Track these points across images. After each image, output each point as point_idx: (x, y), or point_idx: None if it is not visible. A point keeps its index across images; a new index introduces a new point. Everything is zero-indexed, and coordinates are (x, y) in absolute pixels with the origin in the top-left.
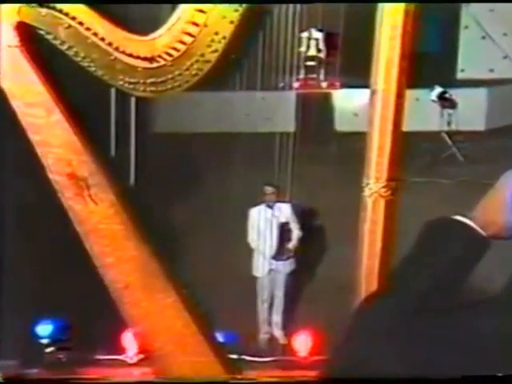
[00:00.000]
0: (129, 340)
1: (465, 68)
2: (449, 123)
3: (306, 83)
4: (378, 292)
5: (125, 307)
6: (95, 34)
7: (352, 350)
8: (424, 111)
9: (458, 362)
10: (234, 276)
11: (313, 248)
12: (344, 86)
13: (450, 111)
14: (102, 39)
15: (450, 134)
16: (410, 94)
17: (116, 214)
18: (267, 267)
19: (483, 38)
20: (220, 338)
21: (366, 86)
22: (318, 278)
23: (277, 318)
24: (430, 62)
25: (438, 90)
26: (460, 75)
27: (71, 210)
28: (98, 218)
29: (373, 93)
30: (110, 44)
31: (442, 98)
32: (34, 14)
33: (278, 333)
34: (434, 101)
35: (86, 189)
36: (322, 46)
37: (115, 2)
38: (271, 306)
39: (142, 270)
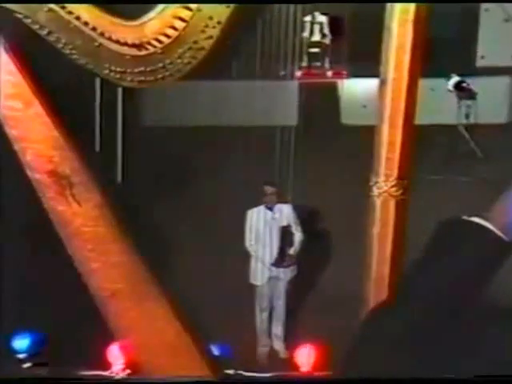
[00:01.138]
0: (115, 353)
1: (485, 54)
2: (467, 116)
3: (310, 72)
4: (388, 301)
5: (111, 317)
6: (78, 18)
7: (362, 361)
8: (439, 102)
9: (469, 368)
10: (231, 284)
11: (316, 253)
12: (351, 74)
13: (469, 102)
14: (86, 24)
15: (468, 127)
16: (424, 84)
17: (101, 216)
18: (266, 274)
19: (506, 20)
20: (215, 350)
21: (376, 75)
22: (322, 286)
23: (277, 329)
24: (445, 48)
25: (455, 79)
26: (480, 62)
27: (52, 211)
28: (81, 219)
29: (382, 82)
30: (94, 29)
31: (459, 87)
32: None
33: (278, 345)
34: (450, 91)
35: (69, 188)
36: (326, 30)
37: (114, 2)
38: (271, 316)
39: (130, 277)
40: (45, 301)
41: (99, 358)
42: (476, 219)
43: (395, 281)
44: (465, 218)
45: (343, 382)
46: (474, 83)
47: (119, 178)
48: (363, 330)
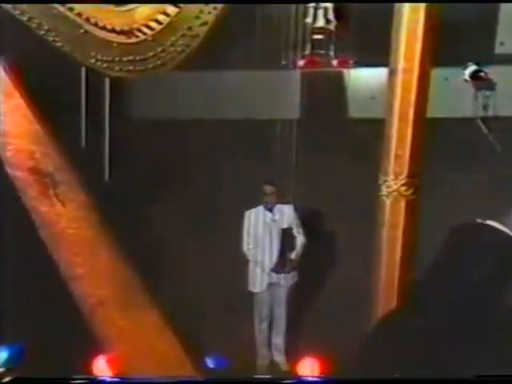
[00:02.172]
0: (102, 365)
1: (505, 41)
2: (485, 107)
3: (313, 60)
4: (399, 308)
5: (98, 327)
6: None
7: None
8: (454, 93)
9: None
10: (227, 291)
11: (320, 258)
12: (358, 64)
13: (487, 93)
14: (70, 9)
15: (486, 120)
16: (438, 74)
17: (88, 217)
18: (266, 281)
19: None
20: (210, 363)
21: (385, 64)
22: (327, 294)
23: (277, 340)
24: (461, 34)
25: (472, 67)
26: (499, 49)
27: (34, 211)
28: (66, 221)
29: (392, 72)
30: (79, 15)
31: (476, 77)
32: None
33: (278, 357)
34: (466, 81)
35: (52, 187)
36: (331, 16)
37: (113, 3)
38: (271, 326)
39: (119, 283)
40: (27, 310)
41: (84, 371)
42: (492, 223)
43: (406, 287)
44: (480, 221)
45: (343, 382)
46: (492, 72)
47: (106, 176)
48: (373, 340)
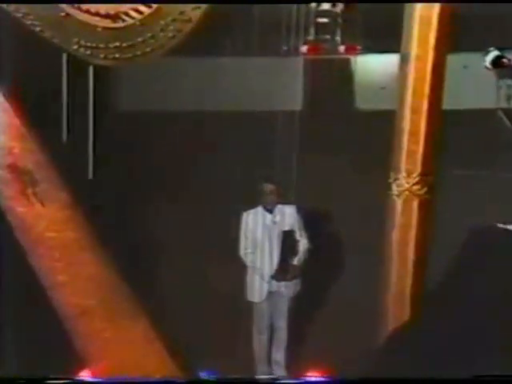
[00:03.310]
0: (85, 382)
1: None
2: (508, 98)
3: (317, 47)
4: (412, 319)
5: (81, 338)
6: None
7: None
8: (474, 83)
9: None
10: (223, 300)
11: (325, 264)
12: (367, 50)
13: (510, 82)
14: None
15: (510, 112)
16: (455, 61)
17: (70, 219)
18: (266, 289)
19: None
20: (205, 379)
21: (396, 51)
22: (332, 304)
23: (278, 354)
24: (481, 17)
25: (494, 53)
26: None
27: (11, 212)
28: (46, 223)
29: (404, 60)
30: None
31: (498, 64)
32: None
33: (279, 374)
34: (488, 68)
35: (31, 185)
36: None
37: (112, 2)
38: (271, 339)
39: (104, 291)
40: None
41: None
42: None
43: (419, 295)
44: (500, 225)
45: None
46: None
47: (90, 173)
48: (385, 353)
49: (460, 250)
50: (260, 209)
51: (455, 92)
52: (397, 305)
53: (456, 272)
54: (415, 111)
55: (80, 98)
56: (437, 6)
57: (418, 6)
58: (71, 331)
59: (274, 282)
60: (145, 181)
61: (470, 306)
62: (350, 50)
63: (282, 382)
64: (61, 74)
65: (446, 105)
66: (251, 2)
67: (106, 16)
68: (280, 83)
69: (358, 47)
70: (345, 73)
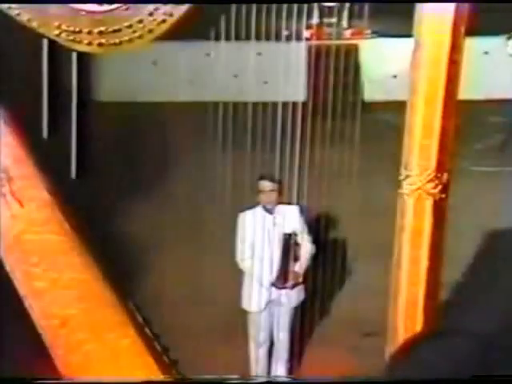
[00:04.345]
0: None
1: None
2: None
3: (322, 31)
4: (425, 332)
5: (61, 352)
6: None
7: None
8: (495, 70)
9: None
10: (217, 310)
11: (330, 270)
12: (376, 34)
13: None
14: None
15: None
16: (475, 46)
17: (50, 220)
18: (265, 298)
19: None
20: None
21: (408, 35)
22: (337, 314)
23: (278, 369)
24: None
25: None
26: None
27: None
28: (23, 224)
29: (417, 45)
30: None
31: None
32: None
33: None
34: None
35: (7, 183)
36: None
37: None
38: (270, 352)
39: (87, 300)
40: None
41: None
42: None
43: (433, 305)
44: None
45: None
46: None
47: (73, 171)
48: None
49: (479, 255)
50: (259, 209)
51: (474, 81)
52: (408, 314)
53: (475, 280)
54: (429, 102)
55: (62, 88)
56: None
57: None
58: (50, 343)
59: (274, 290)
60: (133, 179)
61: (492, 318)
62: (358, 34)
63: (282, 381)
64: (41, 61)
65: (464, 95)
66: (251, 2)
67: None
68: (280, 71)
69: (366, 31)
70: (352, 60)
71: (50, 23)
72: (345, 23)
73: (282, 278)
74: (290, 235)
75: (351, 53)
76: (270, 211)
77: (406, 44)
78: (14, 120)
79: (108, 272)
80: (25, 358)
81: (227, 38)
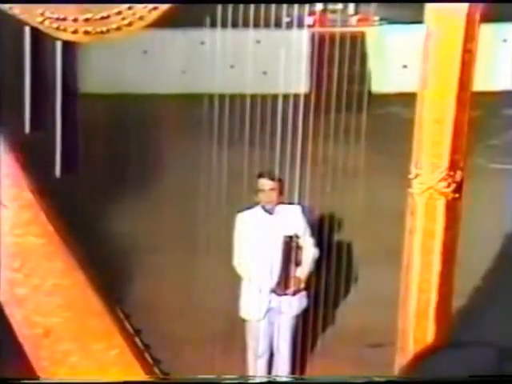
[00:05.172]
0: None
1: None
2: None
3: (325, 18)
4: (436, 346)
5: (45, 364)
6: None
7: None
8: None
9: None
10: (212, 318)
11: (334, 276)
12: (384, 21)
13: None
14: None
15: None
16: (492, 33)
17: (33, 221)
18: (264, 306)
19: None
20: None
21: (419, 21)
22: (342, 323)
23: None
24: None
25: None
26: None
27: None
28: (4, 226)
29: (428, 34)
30: None
31: None
32: None
33: None
34: None
35: None
36: None
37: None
38: (270, 365)
39: (72, 308)
40: None
41: None
42: None
43: (446, 314)
44: None
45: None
46: None
47: (58, 168)
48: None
49: (496, 260)
50: (257, 209)
51: (491, 70)
52: (419, 326)
53: (492, 287)
54: (441, 94)
55: (46, 79)
56: None
57: None
58: (33, 355)
59: (274, 297)
60: (122, 177)
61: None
62: (365, 21)
63: (283, 381)
64: (23, 51)
65: (479, 86)
66: (251, 1)
67: None
68: (280, 61)
69: (374, 18)
70: (358, 49)
71: (33, 10)
72: (351, 9)
73: (283, 284)
74: (291, 238)
75: (357, 41)
76: (269, 211)
77: (416, 32)
78: None
79: (94, 277)
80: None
81: (223, 25)
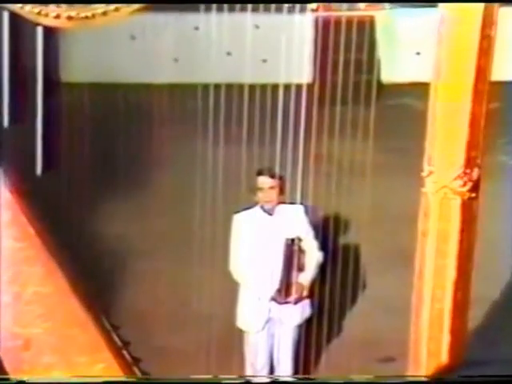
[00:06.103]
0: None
1: None
2: None
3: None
4: (452, 359)
5: (25, 379)
6: None
7: None
8: None
9: None
10: (208, 329)
11: (340, 282)
12: (395, 4)
13: None
14: None
15: None
16: (510, 17)
17: (14, 224)
18: (264, 315)
19: None
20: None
21: (434, 5)
22: (349, 334)
23: None
24: None
25: None
26: None
27: None
28: None
29: (442, 18)
30: None
31: None
32: None
33: None
34: None
35: None
36: None
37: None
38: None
39: (53, 317)
40: None
41: None
42: None
43: (463, 324)
44: None
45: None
46: None
47: (39, 165)
48: None
49: None
50: (256, 210)
51: (509, 59)
52: (432, 338)
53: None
54: (457, 85)
55: (26, 68)
56: None
57: None
58: (13, 368)
59: (275, 306)
60: (108, 175)
61: None
62: (372, 5)
63: (284, 381)
64: (1, 37)
65: (498, 75)
66: (250, 1)
67: None
68: (281, 48)
69: (384, 2)
70: (366, 35)
71: None
72: None
73: (284, 292)
74: (292, 240)
75: (365, 26)
76: (269, 212)
77: (430, 16)
78: None
79: (79, 285)
80: None
81: (219, 9)
